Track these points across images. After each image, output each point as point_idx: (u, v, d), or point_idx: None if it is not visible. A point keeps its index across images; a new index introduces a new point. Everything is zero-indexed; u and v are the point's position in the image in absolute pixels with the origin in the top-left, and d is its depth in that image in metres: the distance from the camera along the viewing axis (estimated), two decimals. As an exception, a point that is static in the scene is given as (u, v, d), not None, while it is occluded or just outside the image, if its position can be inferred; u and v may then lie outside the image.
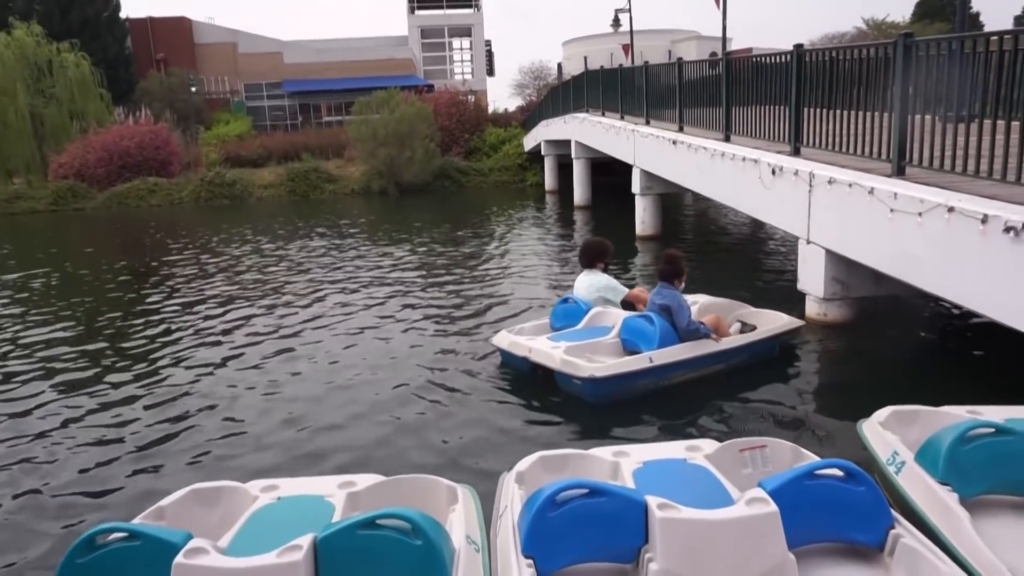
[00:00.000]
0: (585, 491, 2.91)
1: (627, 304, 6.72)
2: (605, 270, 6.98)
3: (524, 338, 6.22)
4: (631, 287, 7.26)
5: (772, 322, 6.49)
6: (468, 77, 41.18)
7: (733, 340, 6.10)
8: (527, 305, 8.88)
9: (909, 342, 7.03)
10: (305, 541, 2.66)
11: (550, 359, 5.72)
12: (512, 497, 3.22)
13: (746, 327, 6.48)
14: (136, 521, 3.01)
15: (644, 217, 13.46)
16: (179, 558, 2.57)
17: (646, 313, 6.00)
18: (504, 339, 6.36)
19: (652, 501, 2.86)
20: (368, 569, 2.69)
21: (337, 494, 3.22)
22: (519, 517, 2.99)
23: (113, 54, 32.84)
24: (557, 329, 6.47)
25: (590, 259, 6.97)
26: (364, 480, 3.37)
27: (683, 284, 6.25)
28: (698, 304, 6.59)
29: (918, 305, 7.87)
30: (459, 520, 3.08)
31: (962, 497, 3.14)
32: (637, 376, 5.57)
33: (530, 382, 5.93)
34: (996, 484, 3.29)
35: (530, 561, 2.79)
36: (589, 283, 6.79)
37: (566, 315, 6.57)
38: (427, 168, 25.60)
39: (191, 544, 2.64)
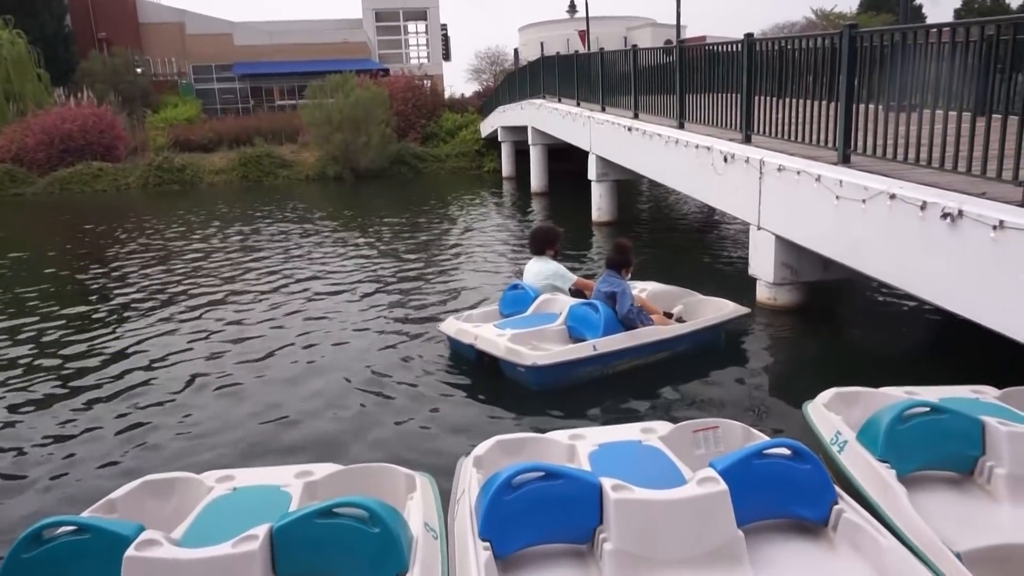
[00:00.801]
0: (541, 474, 2.95)
1: (576, 291, 6.76)
2: (555, 257, 6.99)
3: (471, 325, 6.20)
4: (586, 275, 7.33)
5: (718, 309, 6.55)
6: (424, 61, 40.68)
7: (676, 328, 6.14)
8: (481, 291, 8.89)
9: (855, 326, 7.28)
10: (261, 531, 2.64)
11: (494, 346, 5.71)
12: (470, 481, 3.25)
13: (683, 314, 6.55)
14: (86, 514, 2.95)
15: (600, 203, 13.56)
16: (130, 551, 2.53)
17: (592, 301, 6.02)
18: (451, 326, 6.34)
19: (606, 483, 2.93)
20: (325, 558, 2.69)
21: (294, 484, 3.20)
22: (476, 501, 3.03)
23: (51, 32, 31.36)
24: (506, 315, 6.47)
25: (540, 245, 6.97)
26: (321, 469, 3.35)
27: (630, 274, 6.30)
28: (647, 291, 6.64)
29: (864, 290, 8.14)
30: (417, 507, 3.10)
31: (900, 473, 3.28)
32: (580, 364, 5.60)
33: (478, 369, 5.94)
34: (931, 460, 3.45)
35: (487, 544, 2.83)
36: (538, 270, 6.80)
37: (515, 302, 6.56)
38: (383, 154, 25.29)
39: (143, 536, 2.59)
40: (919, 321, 7.28)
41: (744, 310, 6.62)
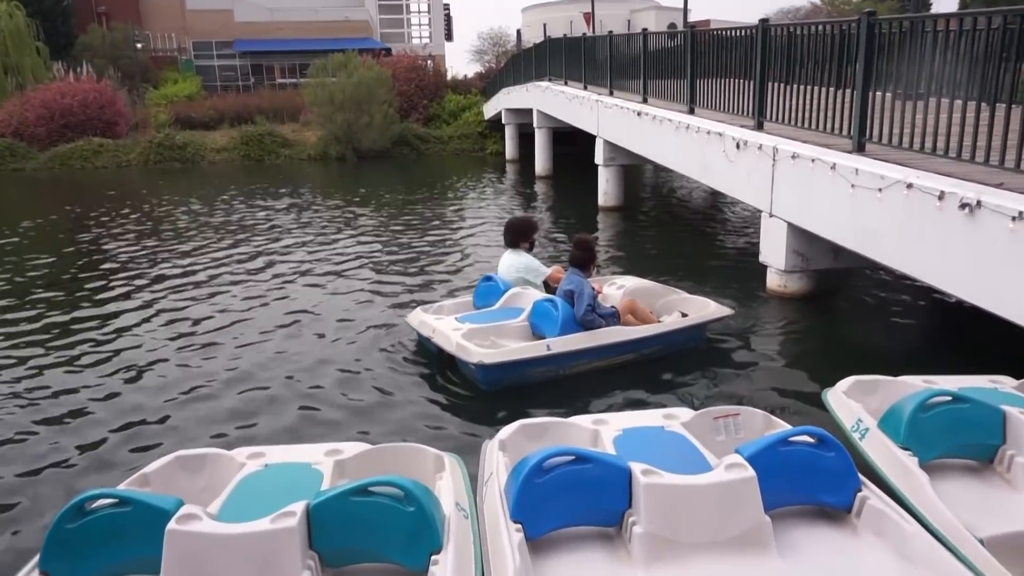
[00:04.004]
0: (571, 458, 2.99)
1: (551, 286, 6.50)
2: (530, 249, 6.71)
3: (433, 317, 6.02)
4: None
5: (699, 309, 6.22)
6: (426, 41, 40.38)
7: (641, 330, 5.81)
8: (472, 279, 8.67)
9: (864, 314, 7.32)
10: (298, 507, 2.68)
11: (447, 341, 5.51)
12: (497, 464, 3.28)
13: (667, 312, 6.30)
14: (121, 487, 2.99)
15: (607, 188, 13.54)
16: (172, 524, 2.57)
17: (552, 297, 5.77)
18: (416, 317, 6.17)
19: (636, 467, 2.97)
20: (361, 535, 2.73)
21: (324, 461, 3.24)
22: (506, 483, 3.07)
23: (49, 5, 30.97)
24: (479, 308, 6.30)
25: (514, 238, 6.67)
26: (351, 448, 3.39)
27: (595, 270, 6.12)
28: (624, 288, 6.45)
29: (872, 278, 8.18)
30: (447, 487, 3.14)
31: (921, 461, 3.33)
32: (532, 363, 5.36)
33: (439, 362, 5.75)
34: (952, 448, 3.50)
35: (518, 526, 2.87)
36: (510, 263, 6.55)
37: (487, 294, 6.37)
38: (385, 134, 25.17)
39: (183, 510, 2.63)
40: (929, 310, 7.33)
41: (726, 311, 6.24)
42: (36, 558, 2.67)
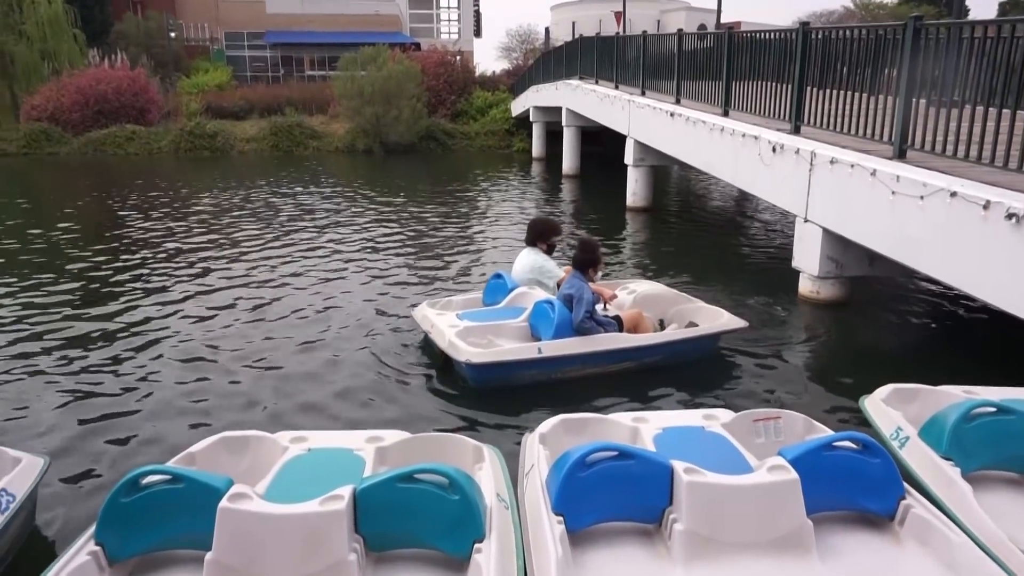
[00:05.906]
0: (614, 453, 3.00)
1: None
2: (548, 251, 6.56)
3: (435, 313, 5.96)
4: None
5: (712, 319, 6.01)
6: (455, 37, 40.43)
7: (641, 338, 5.65)
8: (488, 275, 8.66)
9: (897, 322, 7.24)
10: (346, 491, 2.72)
11: (441, 338, 5.47)
12: (537, 456, 3.30)
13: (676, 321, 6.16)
14: (170, 465, 3.05)
15: (636, 189, 13.49)
16: (224, 503, 2.62)
17: (552, 299, 5.66)
18: (420, 312, 6.13)
19: (678, 465, 2.97)
20: (405, 521, 2.76)
21: (366, 448, 3.28)
22: (548, 476, 3.09)
23: (87, -8, 31.54)
24: (487, 305, 6.27)
25: (532, 237, 6.56)
26: (391, 436, 3.43)
27: (599, 274, 5.96)
28: (636, 293, 6.36)
29: (907, 286, 8.09)
30: (488, 478, 3.16)
31: (963, 472, 3.29)
32: (523, 365, 5.28)
33: (439, 358, 5.68)
34: (994, 460, 3.46)
35: (560, 518, 2.88)
36: (524, 262, 6.46)
37: (495, 292, 6.33)
38: (413, 128, 25.26)
39: (234, 489, 2.68)
40: (964, 320, 7.23)
41: (740, 323, 5.98)
42: (92, 528, 2.74)
